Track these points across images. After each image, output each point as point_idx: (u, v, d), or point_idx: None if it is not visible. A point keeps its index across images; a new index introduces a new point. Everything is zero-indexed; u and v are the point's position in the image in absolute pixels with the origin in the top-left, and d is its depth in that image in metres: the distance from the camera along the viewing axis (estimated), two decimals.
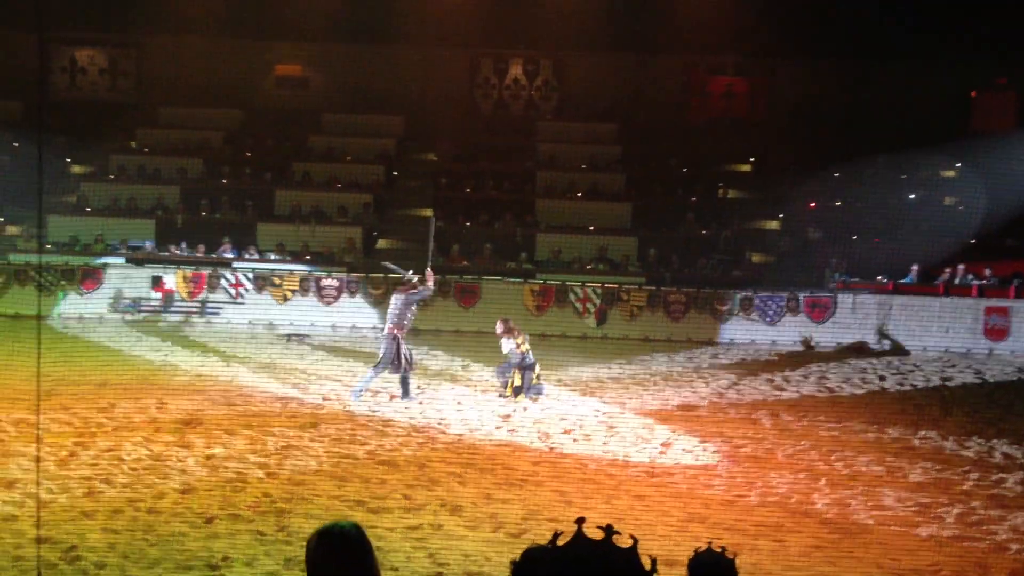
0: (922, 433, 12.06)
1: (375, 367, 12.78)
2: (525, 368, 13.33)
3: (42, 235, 20.23)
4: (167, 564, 7.25)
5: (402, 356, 12.65)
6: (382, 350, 12.72)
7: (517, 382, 13.25)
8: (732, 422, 12.46)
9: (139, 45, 26.23)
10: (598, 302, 18.84)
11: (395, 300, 12.97)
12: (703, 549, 3.66)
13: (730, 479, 10.05)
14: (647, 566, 3.19)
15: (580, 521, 3.35)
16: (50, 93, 25.17)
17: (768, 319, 18.55)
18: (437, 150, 24.95)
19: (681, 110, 25.73)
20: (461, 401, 13.11)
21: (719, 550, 3.63)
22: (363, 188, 23.04)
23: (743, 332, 18.51)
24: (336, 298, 18.97)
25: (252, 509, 8.53)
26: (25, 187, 19.12)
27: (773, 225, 22.66)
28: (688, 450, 11.11)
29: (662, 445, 11.26)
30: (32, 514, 7.89)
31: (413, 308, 13.09)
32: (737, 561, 3.60)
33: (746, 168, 24.12)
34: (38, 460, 8.62)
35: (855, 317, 18.41)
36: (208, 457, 10.04)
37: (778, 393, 14.39)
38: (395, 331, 12.68)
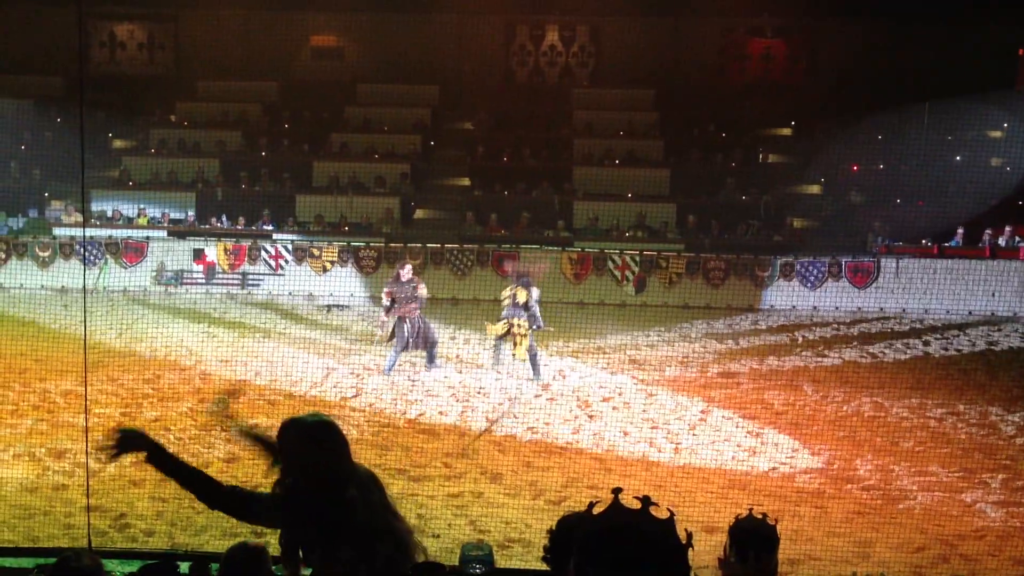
0: (967, 398, 11.90)
1: (395, 349, 12.72)
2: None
3: (86, 209, 20.51)
4: (213, 531, 7.39)
5: (417, 334, 12.59)
6: (398, 331, 12.65)
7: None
8: (773, 389, 12.38)
9: (176, 19, 26.32)
10: (637, 270, 18.74)
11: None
12: (744, 515, 3.65)
13: (772, 446, 10.01)
14: (684, 539, 3.18)
15: (617, 491, 3.34)
16: (90, 68, 25.38)
17: (809, 284, 18.32)
18: (473, 119, 24.85)
19: (719, 74, 25.34)
20: (499, 370, 13.14)
21: (760, 516, 3.61)
22: (400, 158, 23.03)
23: (784, 298, 18.31)
24: (375, 268, 19.06)
25: None
26: (68, 162, 19.38)
27: (814, 189, 22.32)
28: (728, 417, 11.06)
29: (701, 412, 11.23)
30: (82, 483, 8.06)
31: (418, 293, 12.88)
32: (778, 527, 3.58)
33: (786, 132, 23.74)
34: (87, 430, 8.78)
35: (898, 282, 18.14)
36: (251, 426, 10.16)
37: (820, 359, 14.25)
38: (403, 313, 12.62)
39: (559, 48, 26.31)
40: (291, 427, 3.75)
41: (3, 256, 18.99)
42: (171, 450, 8.82)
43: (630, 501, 3.25)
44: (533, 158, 22.93)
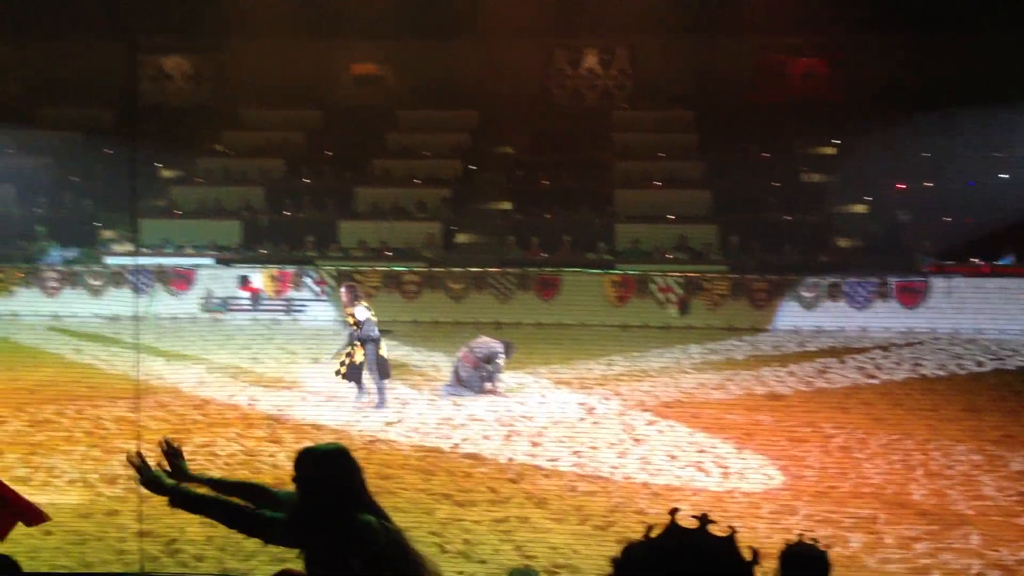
0: (1023, 420, 11.63)
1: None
2: (375, 340, 12.11)
3: (136, 238, 20.86)
4: (262, 557, 7.42)
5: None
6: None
7: (359, 358, 12.08)
8: (822, 411, 12.21)
9: (221, 50, 26.84)
10: (680, 292, 18.64)
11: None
12: (795, 541, 3.60)
13: (821, 469, 9.86)
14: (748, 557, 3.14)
15: (673, 512, 3.32)
16: (139, 100, 25.92)
17: (857, 305, 18.08)
18: (512, 143, 24.97)
19: (759, 93, 25.22)
20: (544, 394, 13.11)
21: (811, 542, 3.57)
22: (441, 183, 23.17)
23: (831, 319, 18.06)
24: (417, 293, 19.15)
25: None
26: (118, 192, 19.76)
27: (860, 208, 22.06)
28: (775, 439, 10.92)
29: (748, 435, 11.10)
30: (134, 509, 8.16)
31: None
32: (830, 554, 3.53)
33: (830, 151, 23.53)
34: (140, 455, 8.90)
35: (949, 301, 17.82)
36: (297, 452, 10.23)
37: (870, 380, 14.04)
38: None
39: (597, 70, 26.39)
40: (307, 454, 3.88)
41: (57, 285, 19.37)
42: (219, 475, 8.91)
43: (687, 523, 3.21)
44: (573, 180, 22.95)
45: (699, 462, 10.06)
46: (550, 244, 21.04)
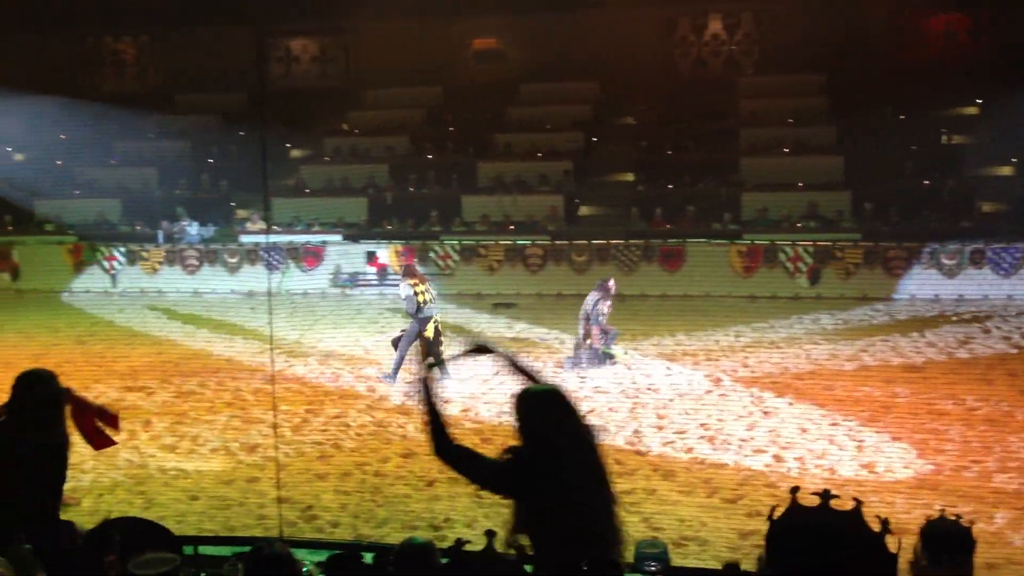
0: None
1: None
2: (420, 319, 12.12)
3: (268, 217, 21.60)
4: (394, 524, 7.63)
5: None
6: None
7: (430, 334, 12.15)
8: (964, 383, 11.65)
9: (346, 32, 27.41)
10: (810, 261, 18.07)
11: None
12: (936, 517, 3.46)
13: (964, 443, 9.43)
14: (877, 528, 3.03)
15: (794, 491, 3.23)
16: (268, 83, 26.76)
17: (1003, 272, 17.14)
18: (635, 113, 24.65)
19: (895, 54, 24.04)
20: (670, 366, 12.96)
21: (953, 518, 3.42)
22: (563, 156, 23.09)
23: (974, 287, 17.18)
24: (541, 266, 19.20)
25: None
26: (251, 173, 20.48)
27: (1006, 170, 20.85)
28: (914, 412, 10.49)
29: (884, 407, 10.70)
30: (273, 476, 8.50)
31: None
32: (974, 530, 3.36)
33: (972, 111, 22.29)
34: (275, 426, 9.27)
35: None
36: (426, 423, 10.43)
37: (1015, 351, 13.31)
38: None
39: (722, 37, 25.74)
40: (528, 396, 3.93)
41: (196, 263, 20.28)
42: (352, 445, 9.16)
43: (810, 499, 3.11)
44: (698, 150, 22.50)
45: (831, 435, 9.77)
46: (674, 215, 20.72)
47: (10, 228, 22.25)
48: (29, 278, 20.67)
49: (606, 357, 12.99)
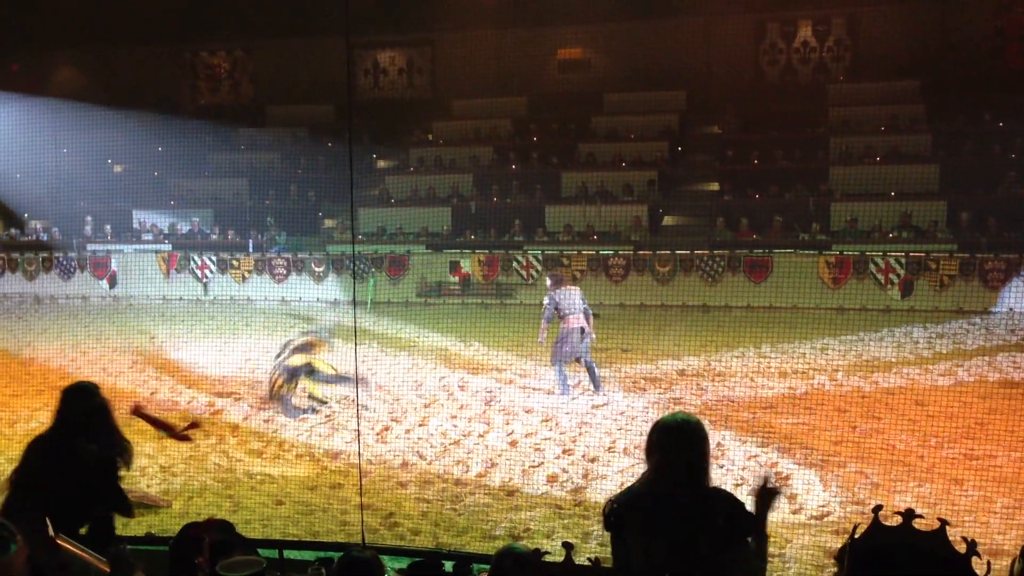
0: None
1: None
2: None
3: (354, 226, 22.01)
4: (473, 533, 7.64)
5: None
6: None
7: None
8: None
9: (433, 43, 27.77)
10: (903, 272, 17.57)
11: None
12: None
13: None
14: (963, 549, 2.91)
15: (877, 509, 3.13)
16: (356, 95, 27.28)
17: None
18: (721, 122, 24.36)
19: (993, 58, 23.21)
20: (753, 378, 12.73)
21: None
22: (647, 165, 22.97)
23: None
24: (624, 276, 19.09)
25: (550, 483, 8.80)
26: (338, 183, 20.89)
27: None
28: (1011, 429, 10.08)
29: (978, 424, 10.31)
30: (355, 483, 8.60)
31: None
32: None
33: None
34: (359, 433, 9.39)
35: None
36: (508, 433, 10.47)
37: None
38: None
39: (813, 43, 25.26)
40: (670, 428, 3.77)
41: (284, 272, 20.75)
42: (433, 454, 9.19)
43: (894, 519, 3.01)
44: (786, 159, 22.12)
45: (921, 452, 9.45)
46: (761, 225, 20.38)
47: (109, 237, 23.11)
48: (126, 286, 21.43)
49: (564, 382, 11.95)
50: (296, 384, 11.33)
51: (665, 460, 3.69)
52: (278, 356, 11.58)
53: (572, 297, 11.93)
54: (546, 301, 12.04)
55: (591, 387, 11.95)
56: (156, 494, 8.62)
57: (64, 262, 21.91)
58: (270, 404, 11.43)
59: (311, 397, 11.46)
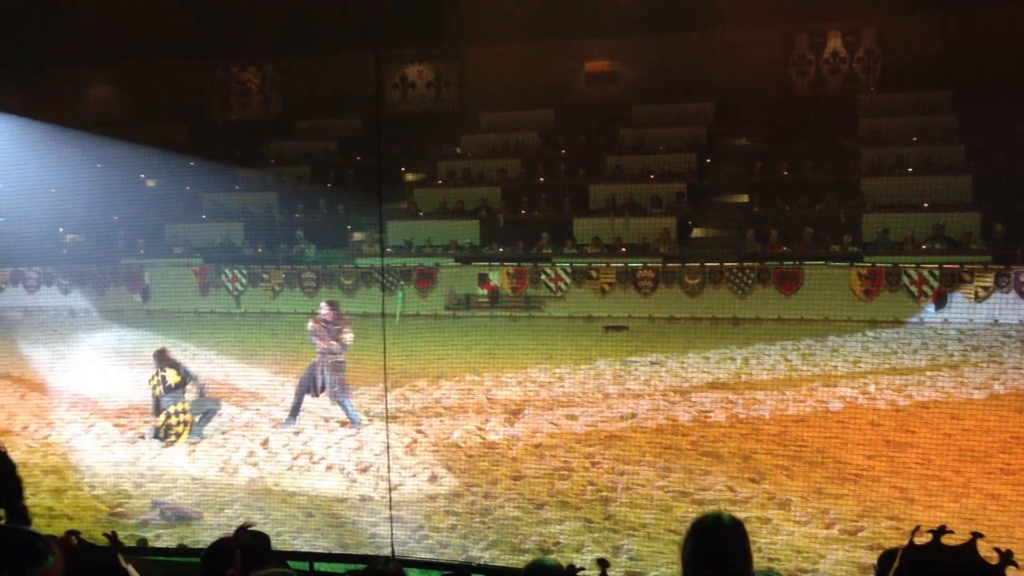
0: None
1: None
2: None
3: (383, 239, 22.09)
4: (503, 546, 7.61)
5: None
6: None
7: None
8: None
9: (461, 57, 27.89)
10: (936, 284, 17.37)
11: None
12: None
13: None
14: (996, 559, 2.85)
15: (914, 531, 3.08)
16: (385, 109, 27.44)
17: None
18: (750, 134, 24.26)
19: None
20: (784, 392, 12.62)
21: None
22: (675, 177, 22.89)
23: None
24: (653, 289, 19.02)
25: (579, 497, 8.75)
26: (367, 196, 20.98)
27: None
28: None
29: (1012, 439, 10.14)
30: (384, 496, 8.60)
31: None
32: None
33: None
34: (388, 447, 9.40)
35: None
36: (536, 446, 10.43)
37: None
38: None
39: (842, 54, 25.11)
40: (706, 530, 3.49)
41: (314, 285, 20.86)
42: (462, 467, 9.16)
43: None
44: (816, 170, 21.96)
45: (958, 467, 9.31)
46: (791, 237, 20.24)
47: (142, 251, 23.37)
48: (159, 298, 21.64)
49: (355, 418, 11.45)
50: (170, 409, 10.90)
51: (703, 568, 3.37)
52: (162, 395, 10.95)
53: (346, 330, 11.56)
54: (313, 329, 11.53)
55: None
56: (187, 506, 8.66)
57: (98, 276, 22.18)
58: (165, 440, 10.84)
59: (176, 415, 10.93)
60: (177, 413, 10.92)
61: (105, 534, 3.38)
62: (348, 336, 11.55)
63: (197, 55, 27.27)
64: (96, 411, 12.39)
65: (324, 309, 11.74)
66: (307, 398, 11.62)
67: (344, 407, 11.45)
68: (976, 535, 2.91)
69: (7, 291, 22.77)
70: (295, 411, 11.52)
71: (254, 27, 25.47)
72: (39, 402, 13.05)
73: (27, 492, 5.64)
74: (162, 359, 11.05)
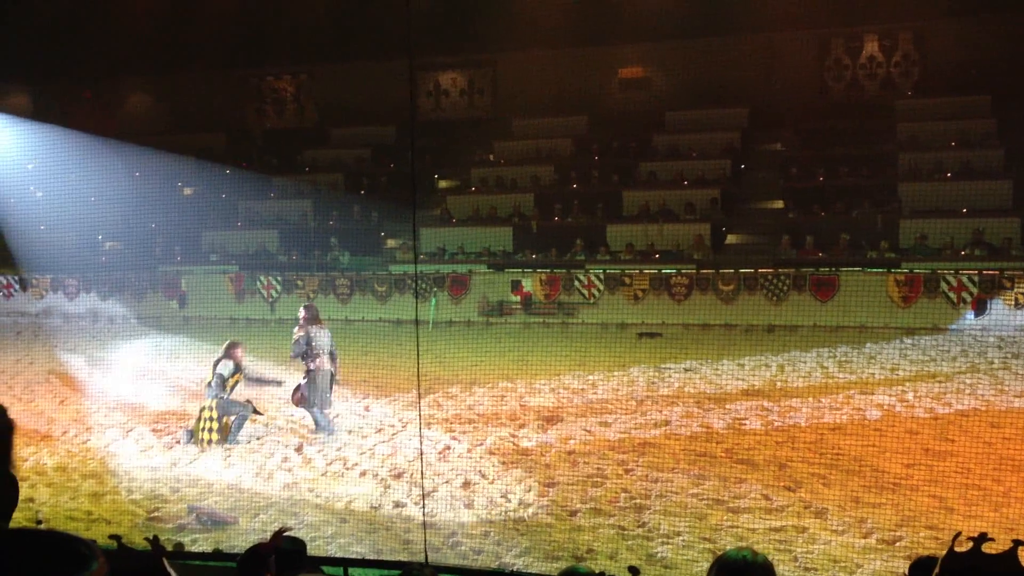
0: None
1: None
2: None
3: (416, 246, 22.18)
4: (536, 553, 7.60)
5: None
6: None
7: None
8: None
9: (494, 64, 27.97)
10: (975, 291, 17.12)
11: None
12: None
13: None
14: None
15: (955, 537, 3.04)
16: (418, 116, 27.58)
17: None
18: (784, 139, 24.08)
19: None
20: (820, 399, 12.49)
21: None
22: (709, 184, 22.78)
23: None
24: (687, 295, 18.92)
25: (612, 504, 8.71)
26: (401, 203, 21.07)
27: None
28: None
29: None
30: (418, 502, 8.63)
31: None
32: None
33: None
34: (421, 453, 9.42)
35: None
36: (569, 452, 10.41)
37: None
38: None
39: (879, 58, 24.87)
40: (739, 569, 3.16)
41: (348, 292, 20.99)
42: (494, 473, 9.18)
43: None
44: (852, 176, 21.76)
45: (998, 476, 9.16)
46: (826, 243, 20.05)
47: (179, 258, 23.64)
48: (195, 305, 21.87)
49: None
50: (232, 415, 11.07)
51: None
52: (211, 383, 11.08)
53: (323, 337, 11.52)
54: (299, 334, 11.46)
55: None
56: (223, 510, 8.74)
57: (136, 283, 22.47)
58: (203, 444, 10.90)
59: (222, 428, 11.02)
60: (205, 409, 11.02)
61: (146, 538, 3.42)
62: (325, 342, 11.46)
63: (233, 64, 27.58)
64: (133, 416, 12.55)
65: (301, 312, 11.78)
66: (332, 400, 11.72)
67: (314, 415, 11.43)
68: (1017, 543, 2.88)
69: (47, 298, 23.12)
70: (324, 423, 11.50)
71: (289, 36, 25.73)
72: (78, 407, 13.24)
73: (15, 458, 5.46)
74: (230, 351, 11.23)
